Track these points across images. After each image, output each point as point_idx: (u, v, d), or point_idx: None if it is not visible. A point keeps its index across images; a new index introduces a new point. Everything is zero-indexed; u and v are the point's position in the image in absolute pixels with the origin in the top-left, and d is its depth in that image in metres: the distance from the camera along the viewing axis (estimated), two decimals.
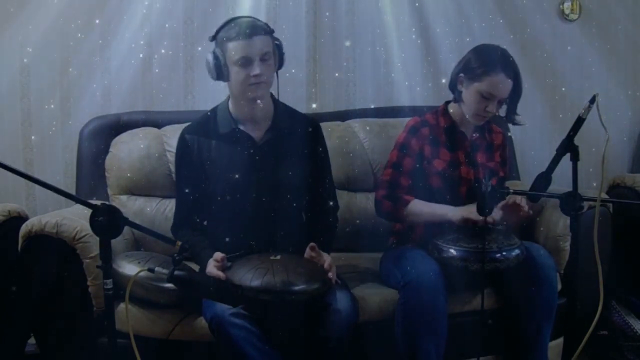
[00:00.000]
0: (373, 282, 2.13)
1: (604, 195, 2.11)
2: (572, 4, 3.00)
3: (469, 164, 2.16)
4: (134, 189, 2.46)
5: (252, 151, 1.97)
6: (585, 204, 1.98)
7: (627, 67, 3.09)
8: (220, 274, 1.74)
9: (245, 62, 1.87)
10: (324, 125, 2.22)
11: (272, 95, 2.04)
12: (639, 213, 2.46)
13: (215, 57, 1.91)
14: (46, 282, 1.96)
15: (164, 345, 1.91)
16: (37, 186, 1.74)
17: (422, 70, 2.87)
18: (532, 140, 2.94)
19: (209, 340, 1.82)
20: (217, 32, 1.92)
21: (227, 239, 1.93)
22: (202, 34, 2.72)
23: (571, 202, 1.83)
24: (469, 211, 1.98)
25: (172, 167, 2.43)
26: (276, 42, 1.95)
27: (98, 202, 1.55)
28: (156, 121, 2.56)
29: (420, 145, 2.12)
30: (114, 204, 2.37)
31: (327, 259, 1.84)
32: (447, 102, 2.21)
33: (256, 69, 1.87)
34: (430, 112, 2.21)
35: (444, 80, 2.77)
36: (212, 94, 2.70)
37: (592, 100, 1.79)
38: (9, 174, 1.48)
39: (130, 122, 2.54)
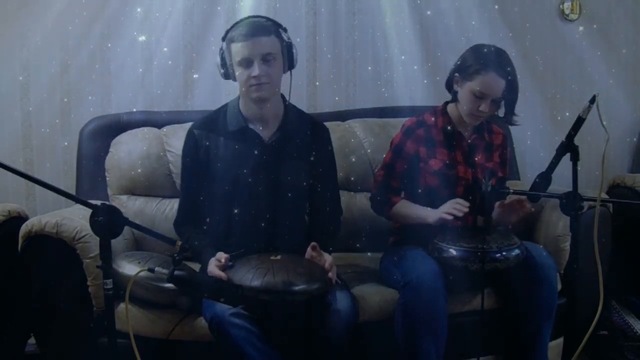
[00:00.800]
0: (373, 282, 2.13)
1: (604, 195, 2.11)
2: (572, 4, 3.00)
3: (466, 164, 2.16)
4: (134, 189, 2.46)
5: (259, 150, 1.97)
6: (585, 204, 1.98)
7: (627, 67, 3.09)
8: (222, 274, 1.74)
9: (246, 63, 1.88)
10: None
11: (282, 96, 2.04)
12: (639, 213, 2.46)
13: (222, 58, 1.93)
14: (46, 282, 1.96)
15: (164, 345, 1.91)
16: (37, 186, 1.74)
17: (422, 70, 2.87)
18: (532, 140, 2.94)
19: (209, 340, 1.82)
20: (227, 32, 1.93)
21: (229, 237, 1.94)
22: (202, 34, 2.73)
23: (571, 202, 1.83)
24: (442, 212, 1.98)
25: (172, 167, 2.44)
26: (285, 42, 1.94)
27: (98, 202, 1.55)
28: (156, 121, 2.56)
29: (415, 147, 2.13)
30: (114, 204, 2.37)
31: (327, 259, 1.84)
32: (447, 103, 2.22)
33: (256, 70, 1.87)
34: (429, 112, 2.21)
35: (438, 78, 2.79)
36: (212, 94, 2.72)
37: (592, 100, 1.79)
38: (9, 174, 1.48)
39: (130, 122, 2.54)
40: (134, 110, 2.64)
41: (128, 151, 2.44)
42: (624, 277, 2.50)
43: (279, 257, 1.80)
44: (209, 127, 2.01)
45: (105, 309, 1.56)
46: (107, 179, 2.47)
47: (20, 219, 2.15)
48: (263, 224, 1.96)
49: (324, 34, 2.84)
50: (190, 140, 2.01)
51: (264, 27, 1.90)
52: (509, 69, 2.04)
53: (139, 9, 2.68)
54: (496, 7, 2.92)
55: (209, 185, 1.99)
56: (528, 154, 2.95)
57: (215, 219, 1.99)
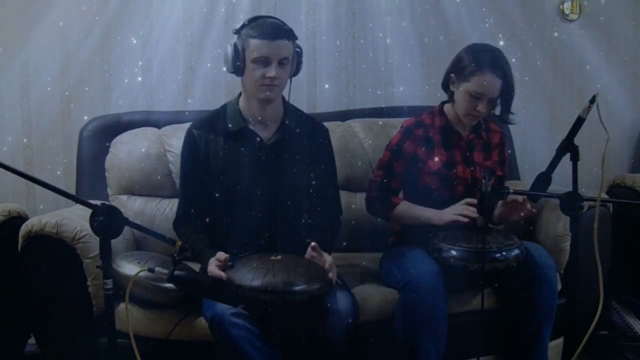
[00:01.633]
0: (373, 282, 2.13)
1: (604, 195, 2.11)
2: (572, 4, 2.99)
3: (465, 163, 2.16)
4: (134, 189, 2.46)
5: (259, 151, 1.97)
6: (585, 204, 1.97)
7: (627, 67, 3.09)
8: (222, 274, 1.74)
9: (264, 62, 1.88)
10: None
11: (283, 98, 2.04)
12: (639, 213, 2.46)
13: (235, 51, 1.91)
14: (46, 282, 1.96)
15: (164, 345, 1.91)
16: (37, 186, 1.74)
17: (422, 70, 2.87)
18: (532, 140, 2.94)
19: (209, 340, 1.81)
20: (242, 26, 1.92)
21: (228, 237, 1.94)
22: (202, 34, 2.73)
23: (571, 202, 1.83)
24: (454, 214, 1.99)
25: (172, 167, 2.44)
26: (297, 49, 1.96)
27: (98, 202, 1.55)
28: (156, 121, 2.56)
29: (414, 147, 2.13)
30: (114, 204, 2.37)
31: (327, 259, 1.84)
32: (444, 102, 2.22)
33: (272, 71, 1.88)
34: (426, 113, 2.21)
35: (434, 80, 2.79)
36: (212, 94, 2.72)
37: (592, 100, 1.79)
38: (9, 174, 1.48)
39: (130, 122, 2.54)
40: (134, 110, 2.64)
41: (128, 151, 2.44)
42: (624, 277, 2.50)
43: (279, 257, 1.80)
44: (208, 127, 2.01)
45: (105, 309, 1.56)
46: (107, 179, 2.47)
47: (20, 219, 2.15)
48: (263, 224, 1.96)
49: (324, 34, 2.84)
50: (189, 140, 2.01)
51: (286, 31, 1.90)
52: (505, 68, 2.03)
53: (139, 9, 2.68)
54: (496, 7, 2.92)
55: (208, 186, 1.98)
56: (528, 154, 2.95)
57: (215, 220, 1.99)
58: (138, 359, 1.59)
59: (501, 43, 2.15)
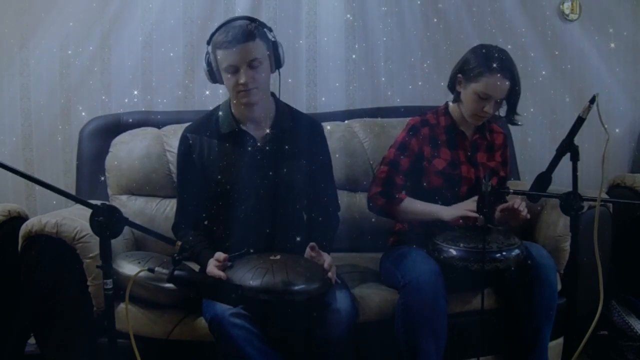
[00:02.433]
0: (373, 282, 2.13)
1: (604, 195, 2.10)
2: (572, 4, 3.00)
3: (469, 163, 2.16)
4: (134, 189, 2.46)
5: (253, 151, 1.97)
6: (585, 204, 1.97)
7: (627, 67, 3.09)
8: (221, 274, 1.74)
9: (232, 70, 1.87)
10: (324, 125, 2.21)
11: (273, 95, 2.03)
12: (639, 213, 2.46)
13: (208, 63, 1.92)
14: (46, 282, 1.96)
15: (164, 345, 1.91)
16: (37, 186, 1.74)
17: (423, 70, 2.87)
18: (532, 140, 2.94)
19: (209, 340, 1.81)
20: (211, 36, 1.91)
21: (227, 239, 1.94)
22: (202, 34, 2.73)
23: (571, 202, 1.83)
24: (464, 209, 1.99)
25: (172, 167, 2.44)
26: (271, 42, 1.92)
27: (98, 202, 1.55)
28: (156, 121, 2.56)
29: (419, 145, 2.13)
30: (114, 204, 2.37)
31: (327, 258, 1.84)
32: (448, 102, 2.22)
33: (242, 77, 1.86)
34: (431, 112, 2.21)
35: (434, 81, 2.79)
36: (212, 94, 2.72)
37: (592, 100, 1.79)
38: (9, 174, 1.48)
39: (130, 122, 2.54)
40: (134, 110, 2.64)
41: (128, 151, 2.44)
42: (624, 277, 2.50)
43: (278, 257, 1.80)
44: (201, 130, 2.00)
45: (105, 309, 1.56)
46: (107, 179, 2.47)
47: (20, 219, 2.15)
48: (261, 224, 1.95)
49: (324, 34, 2.84)
50: (184, 145, 2.01)
51: (248, 32, 1.86)
52: (512, 69, 2.04)
53: (139, 9, 2.68)
54: (496, 7, 2.92)
55: (205, 189, 1.98)
56: (528, 154, 2.95)
57: (213, 222, 1.99)
58: (138, 359, 1.59)
59: (501, 43, 2.15)
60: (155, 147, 2.45)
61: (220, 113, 2.01)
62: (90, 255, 1.92)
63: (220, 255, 1.78)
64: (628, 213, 2.44)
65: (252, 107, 1.93)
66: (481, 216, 2.01)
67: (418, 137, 2.13)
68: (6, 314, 2.13)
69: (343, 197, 2.49)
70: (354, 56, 2.88)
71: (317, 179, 2.04)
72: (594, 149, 2.63)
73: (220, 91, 2.73)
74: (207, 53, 1.92)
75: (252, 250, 1.85)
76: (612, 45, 3.06)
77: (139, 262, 1.94)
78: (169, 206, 2.43)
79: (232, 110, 2.00)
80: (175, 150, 2.40)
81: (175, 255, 1.55)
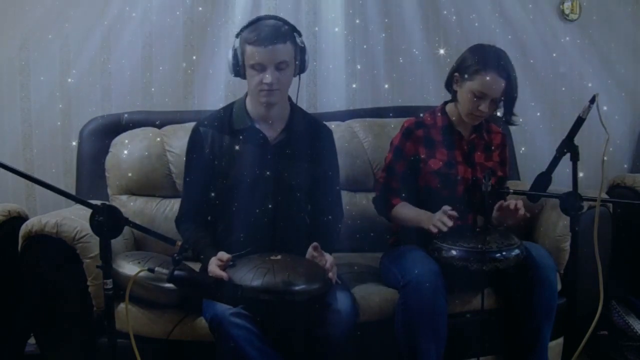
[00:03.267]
0: (373, 282, 2.13)
1: (604, 195, 2.11)
2: (572, 4, 3.00)
3: (466, 163, 2.16)
4: (134, 189, 2.46)
5: (264, 150, 1.98)
6: (585, 204, 1.98)
7: (627, 67, 3.09)
8: (223, 274, 1.74)
9: (260, 68, 1.88)
10: None
11: (289, 98, 2.05)
12: (639, 213, 2.46)
13: (235, 56, 1.93)
14: (46, 282, 1.96)
15: (164, 345, 1.91)
16: (37, 186, 1.74)
17: (422, 70, 2.87)
18: (532, 140, 2.94)
19: (209, 340, 1.81)
20: (242, 30, 1.92)
21: (229, 236, 1.95)
22: (202, 34, 2.73)
23: (571, 202, 1.83)
24: (432, 222, 1.95)
25: (172, 167, 2.44)
26: (301, 45, 1.94)
27: (98, 202, 1.55)
28: (156, 121, 2.55)
29: (415, 148, 2.13)
30: (114, 204, 2.37)
31: (328, 259, 1.84)
32: (446, 102, 2.22)
33: (268, 78, 1.88)
34: (428, 112, 2.22)
35: (433, 81, 2.78)
36: (212, 94, 2.72)
37: (592, 100, 1.79)
38: (9, 174, 1.48)
39: (130, 122, 2.53)
40: (134, 110, 2.64)
41: (128, 151, 2.44)
42: (624, 277, 2.50)
43: (279, 257, 1.80)
44: (214, 125, 2.01)
45: (105, 309, 1.56)
46: (107, 179, 2.47)
47: (20, 219, 2.15)
48: (265, 224, 1.96)
49: (324, 34, 2.84)
50: (196, 138, 2.01)
51: (281, 34, 1.88)
52: (509, 69, 2.04)
53: (139, 9, 2.68)
54: (496, 6, 2.92)
55: (212, 183, 1.99)
56: (528, 153, 2.95)
57: (217, 218, 2.00)
58: (138, 359, 1.59)
59: (501, 43, 2.15)
60: (155, 147, 2.45)
61: (234, 109, 2.03)
62: (90, 255, 1.92)
63: (223, 255, 1.78)
64: (628, 213, 2.44)
65: (270, 107, 1.95)
66: (480, 216, 2.02)
67: (412, 140, 2.14)
68: (6, 314, 2.13)
69: (343, 197, 2.47)
70: (354, 56, 2.88)
71: (324, 183, 2.05)
72: (594, 149, 2.63)
73: (221, 92, 2.74)
74: (235, 46, 1.93)
75: (249, 249, 1.85)
76: (612, 45, 3.06)
77: (139, 262, 1.94)
78: (169, 206, 2.43)
79: (247, 108, 2.01)
80: (176, 150, 2.42)
81: (175, 255, 1.55)
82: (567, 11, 3.00)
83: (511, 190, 2.01)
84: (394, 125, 2.58)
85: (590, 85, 2.98)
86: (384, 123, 2.66)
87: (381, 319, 2.00)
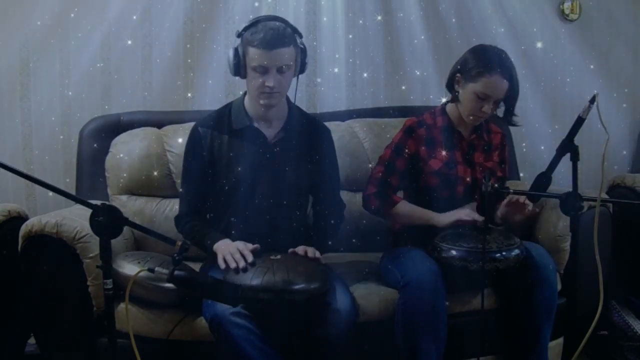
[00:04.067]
0: (373, 282, 2.13)
1: (604, 195, 2.10)
2: (572, 4, 2.99)
3: (466, 163, 2.16)
4: (134, 189, 2.46)
5: (263, 149, 1.99)
6: (585, 204, 1.98)
7: (627, 67, 3.09)
8: (248, 252, 1.78)
9: (262, 70, 1.88)
10: None
11: (287, 97, 2.05)
12: (639, 213, 2.46)
13: (236, 55, 1.92)
14: (46, 282, 1.96)
15: (164, 345, 1.91)
16: (37, 186, 1.74)
17: (422, 70, 2.87)
18: (532, 141, 2.94)
19: (209, 340, 1.81)
20: (244, 29, 1.91)
21: (229, 234, 1.95)
22: (202, 34, 2.73)
23: (571, 202, 1.83)
24: (458, 215, 2.01)
25: (172, 167, 2.44)
26: (301, 46, 1.95)
27: (98, 202, 1.55)
28: (156, 121, 2.56)
29: (416, 146, 2.13)
30: (114, 204, 2.37)
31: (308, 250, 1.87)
32: (446, 103, 2.22)
33: (270, 81, 1.88)
34: (428, 112, 2.22)
35: (433, 81, 2.78)
36: (212, 94, 2.72)
37: (592, 100, 1.79)
38: (9, 174, 1.48)
39: (130, 122, 2.53)
40: (134, 110, 2.64)
41: (128, 151, 2.44)
42: (624, 277, 2.50)
43: (279, 256, 1.80)
44: (213, 124, 2.02)
45: (105, 309, 1.56)
46: (107, 179, 2.47)
47: (20, 219, 2.15)
48: (264, 223, 1.96)
49: (324, 34, 2.84)
50: (194, 137, 2.02)
51: (285, 37, 1.88)
52: (511, 69, 2.04)
53: (138, 9, 2.68)
54: (496, 7, 2.91)
55: (211, 183, 1.99)
56: (528, 154, 2.95)
57: (216, 217, 2.00)
58: (138, 359, 1.59)
59: (501, 43, 2.15)
60: (155, 147, 2.45)
61: (232, 108, 2.03)
62: (90, 255, 1.92)
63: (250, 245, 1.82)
64: (628, 213, 2.44)
65: (270, 108, 1.95)
66: (481, 216, 2.01)
67: (414, 138, 2.14)
68: (6, 314, 2.13)
69: (343, 197, 2.48)
70: (354, 56, 2.88)
71: (323, 181, 2.06)
72: (594, 149, 2.63)
73: (221, 92, 2.74)
74: (236, 46, 1.92)
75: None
76: (612, 45, 3.06)
77: (139, 262, 1.94)
78: (169, 206, 2.43)
79: (246, 107, 2.01)
80: (176, 150, 2.42)
81: (175, 255, 1.55)
82: (567, 11, 3.00)
83: (511, 190, 2.01)
84: (394, 125, 2.58)
85: (590, 85, 2.98)
86: (384, 123, 2.66)
87: (381, 319, 2.00)
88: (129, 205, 2.43)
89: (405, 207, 2.13)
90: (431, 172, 2.12)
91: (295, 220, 2.03)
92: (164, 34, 2.72)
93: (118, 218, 1.51)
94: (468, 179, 2.15)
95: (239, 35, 1.92)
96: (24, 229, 1.95)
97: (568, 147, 1.85)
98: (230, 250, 1.79)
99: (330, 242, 2.00)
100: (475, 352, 2.04)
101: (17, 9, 2.59)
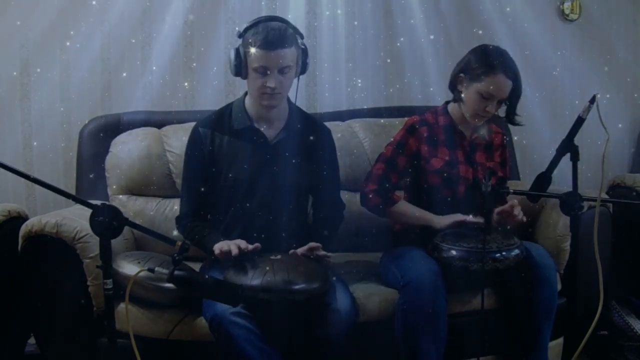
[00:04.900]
0: (373, 282, 2.13)
1: (604, 195, 2.11)
2: (572, 4, 3.00)
3: (467, 163, 2.16)
4: (134, 189, 2.45)
5: (263, 149, 1.99)
6: (585, 204, 1.98)
7: (627, 67, 3.09)
8: (250, 246, 1.79)
9: (263, 71, 1.88)
10: None
11: (288, 98, 2.06)
12: (639, 213, 2.46)
13: (237, 56, 1.92)
14: (46, 282, 1.96)
15: (164, 345, 1.91)
16: (37, 186, 1.74)
17: (422, 70, 2.87)
18: (532, 140, 2.94)
19: (209, 340, 1.82)
20: (245, 30, 1.91)
21: (230, 235, 1.95)
22: (202, 34, 2.73)
23: (571, 202, 1.83)
24: (455, 218, 2.01)
25: (172, 167, 2.44)
26: (302, 47, 1.95)
27: (98, 202, 1.55)
28: (156, 121, 2.56)
29: (417, 145, 2.13)
30: (114, 204, 2.37)
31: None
32: (447, 102, 2.22)
33: (272, 82, 1.88)
34: (430, 112, 2.22)
35: (433, 81, 2.78)
36: (211, 94, 2.72)
37: (592, 100, 1.79)
38: (9, 174, 1.48)
39: (130, 122, 2.53)
40: (134, 110, 2.64)
41: (128, 151, 2.44)
42: (624, 277, 2.50)
43: (279, 256, 1.80)
44: (213, 125, 2.02)
45: (105, 309, 1.56)
46: (107, 179, 2.47)
47: (20, 219, 2.15)
48: (264, 223, 1.97)
49: (324, 34, 2.84)
50: (195, 138, 2.02)
51: (286, 38, 1.88)
52: (515, 70, 2.04)
53: (138, 9, 2.68)
54: (496, 6, 2.91)
55: (211, 183, 2.00)
56: (528, 154, 2.95)
57: (217, 217, 2.00)
58: (138, 359, 1.59)
59: (501, 43, 2.15)
60: (155, 147, 2.45)
61: (233, 109, 2.03)
62: (90, 255, 1.92)
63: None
64: (628, 213, 2.44)
65: (271, 109, 1.95)
66: (481, 217, 2.01)
67: (416, 136, 2.13)
68: (6, 314, 2.13)
69: (343, 197, 2.48)
70: (354, 56, 2.88)
71: (323, 181, 2.06)
72: (594, 149, 2.63)
73: (221, 92, 2.74)
74: (237, 47, 1.92)
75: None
76: (612, 45, 3.06)
77: (139, 262, 1.94)
78: (169, 206, 2.43)
79: (247, 107, 2.02)
80: (176, 150, 2.42)
81: (175, 255, 1.55)
82: (567, 11, 3.00)
83: (511, 190, 2.01)
84: (394, 125, 2.58)
85: (590, 85, 2.98)
86: (384, 123, 2.66)
87: (381, 319, 2.00)
88: (129, 205, 2.43)
89: (404, 207, 2.13)
90: (432, 171, 2.12)
91: (296, 221, 2.03)
92: (164, 34, 2.72)
93: (118, 218, 1.51)
94: (469, 179, 2.15)
95: (240, 35, 1.93)
96: (24, 229, 1.95)
97: (568, 147, 1.85)
98: (227, 243, 1.81)
99: (330, 242, 2.00)
100: (475, 352, 2.04)
101: (17, 9, 2.58)
